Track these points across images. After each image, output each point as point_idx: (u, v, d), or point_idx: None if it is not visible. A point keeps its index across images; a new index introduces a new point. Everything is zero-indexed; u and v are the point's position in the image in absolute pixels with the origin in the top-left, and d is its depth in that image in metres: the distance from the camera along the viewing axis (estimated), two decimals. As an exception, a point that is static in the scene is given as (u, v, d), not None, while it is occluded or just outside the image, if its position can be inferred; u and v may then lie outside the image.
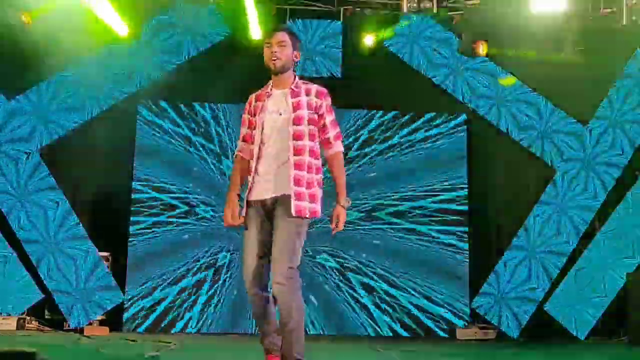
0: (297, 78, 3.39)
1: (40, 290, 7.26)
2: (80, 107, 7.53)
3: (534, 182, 8.11)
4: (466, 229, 7.98)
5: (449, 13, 7.63)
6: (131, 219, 7.68)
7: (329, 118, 3.37)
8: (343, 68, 7.80)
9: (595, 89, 7.86)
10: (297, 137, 3.25)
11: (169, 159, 7.83)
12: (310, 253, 7.74)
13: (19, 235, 7.29)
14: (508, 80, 7.71)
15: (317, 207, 3.30)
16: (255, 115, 3.36)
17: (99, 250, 7.44)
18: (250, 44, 7.43)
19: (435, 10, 7.60)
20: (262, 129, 3.30)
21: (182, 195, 7.80)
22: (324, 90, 3.40)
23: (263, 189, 3.28)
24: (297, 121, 3.27)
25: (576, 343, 7.33)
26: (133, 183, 7.73)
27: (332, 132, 3.38)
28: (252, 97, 3.44)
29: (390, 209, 8.03)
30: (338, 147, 3.40)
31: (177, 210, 7.77)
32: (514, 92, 7.87)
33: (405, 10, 7.63)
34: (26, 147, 7.41)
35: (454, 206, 8.03)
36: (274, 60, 3.30)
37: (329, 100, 3.39)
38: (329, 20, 7.82)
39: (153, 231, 7.71)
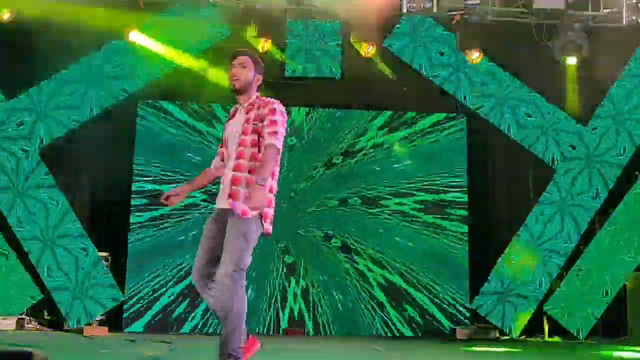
0: (256, 98, 3.54)
1: (40, 290, 7.25)
2: (80, 106, 7.51)
3: (535, 182, 8.11)
4: (466, 228, 7.98)
5: (448, 13, 7.62)
6: (131, 218, 7.67)
7: (269, 118, 3.44)
8: (342, 68, 7.79)
9: (596, 89, 7.86)
10: (240, 143, 3.43)
11: (168, 158, 7.82)
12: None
13: (19, 235, 7.28)
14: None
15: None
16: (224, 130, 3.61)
17: (99, 250, 7.43)
18: (250, 44, 7.43)
19: (435, 10, 7.59)
20: (227, 145, 3.53)
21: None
22: (274, 100, 3.52)
23: (221, 198, 3.47)
24: (244, 132, 3.45)
25: (576, 343, 7.32)
26: (133, 182, 7.72)
27: (267, 130, 3.43)
28: (229, 114, 3.66)
29: (390, 209, 8.03)
30: (269, 140, 3.40)
31: (177, 210, 7.76)
32: (515, 91, 7.86)
33: (404, 10, 7.62)
34: (26, 146, 7.40)
35: (454, 205, 8.03)
36: (235, 80, 3.52)
37: (275, 106, 3.48)
38: (328, 20, 7.80)
39: (153, 231, 7.70)
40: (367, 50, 7.55)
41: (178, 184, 7.72)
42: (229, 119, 3.61)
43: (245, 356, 3.46)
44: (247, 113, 3.49)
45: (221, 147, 3.64)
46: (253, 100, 3.53)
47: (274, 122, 3.44)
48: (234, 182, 3.38)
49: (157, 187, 7.74)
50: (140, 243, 7.66)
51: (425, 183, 8.06)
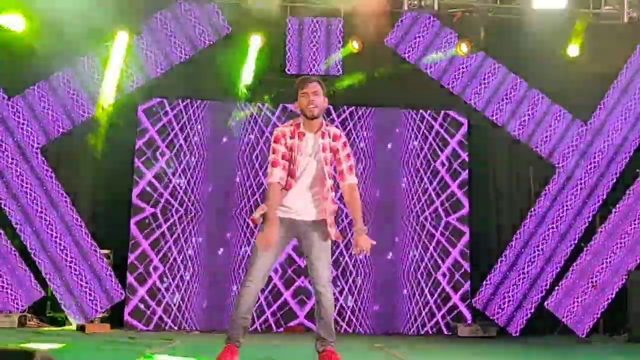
0: (323, 121, 3.92)
1: (42, 288, 7.27)
2: (80, 104, 7.52)
3: (535, 180, 8.11)
4: (467, 225, 7.98)
5: (449, 10, 7.62)
6: (132, 216, 7.68)
7: (343, 153, 3.92)
8: (343, 65, 7.78)
9: (596, 86, 7.86)
10: (322, 171, 3.86)
11: (169, 156, 7.83)
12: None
13: (20, 234, 7.30)
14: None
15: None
16: (288, 148, 3.86)
17: (100, 248, 7.45)
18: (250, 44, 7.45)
19: (435, 8, 7.58)
20: (295, 165, 3.83)
21: (184, 192, 7.80)
22: (338, 132, 3.97)
23: (296, 213, 3.87)
24: (325, 161, 3.87)
25: (577, 340, 7.33)
26: (134, 180, 7.73)
27: (345, 165, 3.93)
28: (286, 132, 3.89)
29: (390, 206, 8.04)
30: (351, 179, 3.95)
31: (179, 207, 7.77)
32: (515, 88, 7.86)
33: (406, 7, 7.62)
34: (27, 145, 7.41)
35: (454, 202, 8.03)
36: (312, 108, 3.82)
37: (345, 139, 3.95)
38: (329, 18, 7.80)
39: (154, 228, 7.71)
40: (353, 46, 7.57)
41: (179, 180, 7.78)
42: (292, 136, 3.85)
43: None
44: (322, 138, 3.87)
45: (284, 159, 3.85)
46: (324, 127, 3.90)
47: (349, 157, 3.94)
48: (326, 212, 3.86)
49: (158, 184, 7.75)
50: (142, 240, 7.66)
51: (426, 179, 8.05)
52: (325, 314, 3.88)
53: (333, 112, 8.05)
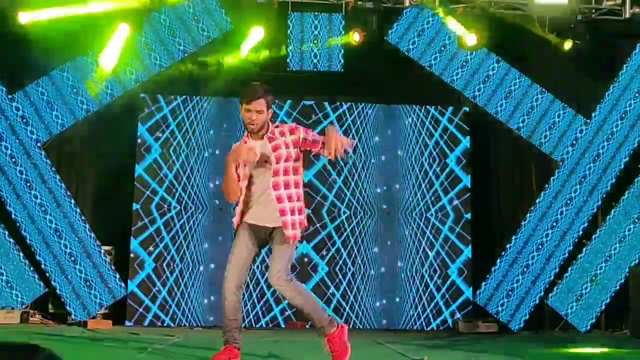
0: (270, 126, 3.93)
1: (44, 284, 7.29)
2: (81, 101, 7.52)
3: (537, 175, 8.11)
4: (469, 221, 7.97)
5: (451, 6, 7.60)
6: (134, 212, 7.68)
7: (308, 135, 3.92)
8: (344, 61, 7.77)
9: (598, 82, 7.84)
10: (275, 174, 3.85)
11: (170, 153, 7.83)
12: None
13: (23, 229, 7.31)
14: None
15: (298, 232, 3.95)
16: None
17: (102, 244, 7.46)
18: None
19: (437, 3, 7.57)
20: (250, 180, 3.89)
21: (184, 189, 7.81)
22: (293, 125, 4.00)
23: (260, 218, 3.91)
24: (277, 160, 3.85)
25: (578, 335, 7.34)
26: (135, 176, 7.73)
27: (320, 139, 3.92)
28: (234, 148, 3.96)
29: (392, 203, 8.04)
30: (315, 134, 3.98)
31: (180, 204, 7.77)
32: (517, 83, 7.85)
33: (407, 3, 7.60)
34: (29, 142, 7.41)
35: (456, 198, 8.02)
36: (252, 126, 3.86)
37: (301, 128, 3.95)
38: (330, 13, 7.78)
39: (156, 225, 7.71)
40: (354, 38, 7.53)
41: (181, 177, 7.79)
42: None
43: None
44: (270, 141, 3.87)
45: (235, 169, 3.90)
46: (272, 131, 3.91)
47: (315, 135, 3.94)
48: (281, 213, 3.85)
49: (159, 181, 7.76)
50: (144, 237, 7.67)
51: (427, 175, 8.05)
52: (298, 306, 3.92)
53: (330, 109, 8.06)
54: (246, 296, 7.56)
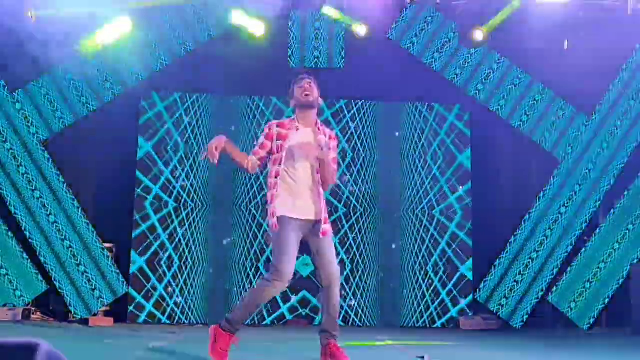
0: (317, 119, 4.04)
1: (45, 281, 7.29)
2: (83, 98, 7.52)
3: (538, 173, 8.10)
4: (470, 219, 7.97)
5: (452, 2, 7.59)
6: (135, 209, 7.69)
7: (332, 155, 4.01)
8: (345, 58, 7.76)
9: (600, 79, 7.83)
10: (316, 168, 3.92)
11: (171, 149, 7.83)
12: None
13: (24, 227, 7.31)
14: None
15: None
16: (272, 139, 3.93)
17: (103, 242, 7.46)
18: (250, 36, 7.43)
19: (438, 1, 7.56)
20: (285, 154, 3.88)
21: (186, 185, 7.81)
22: (333, 133, 4.13)
23: (305, 210, 3.90)
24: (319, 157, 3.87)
25: (579, 333, 7.34)
26: (136, 174, 7.73)
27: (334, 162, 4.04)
28: (273, 124, 3.99)
29: (393, 199, 8.03)
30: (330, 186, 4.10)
31: (182, 200, 7.77)
32: (518, 80, 7.84)
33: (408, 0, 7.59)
34: (30, 139, 7.41)
35: (457, 196, 8.02)
36: (307, 94, 3.94)
37: (336, 141, 4.10)
38: (331, 10, 7.76)
39: (157, 221, 7.71)
40: (357, 32, 7.50)
41: (182, 173, 7.79)
42: (283, 128, 3.94)
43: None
44: (320, 134, 3.95)
45: (261, 149, 3.94)
46: (319, 125, 4.01)
47: (335, 161, 4.04)
48: (324, 210, 3.93)
49: (161, 177, 7.76)
50: (145, 234, 7.67)
51: (429, 172, 8.05)
52: (333, 310, 3.93)
53: (327, 107, 8.05)
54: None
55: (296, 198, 3.88)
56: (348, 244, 7.91)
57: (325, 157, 3.82)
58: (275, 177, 3.89)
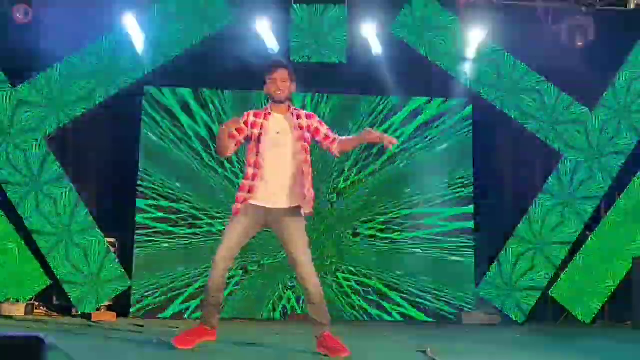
0: (291, 106, 4.17)
1: (48, 276, 7.31)
2: (85, 95, 7.51)
3: (540, 167, 8.09)
4: (472, 212, 7.97)
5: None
6: (137, 204, 7.69)
7: (323, 128, 4.17)
8: (348, 53, 7.75)
9: (603, 74, 7.81)
10: (298, 152, 4.00)
11: (173, 145, 7.84)
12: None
13: (27, 223, 7.32)
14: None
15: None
16: (248, 126, 4.07)
17: (106, 236, 7.47)
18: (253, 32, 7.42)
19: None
20: (260, 143, 4.00)
21: (190, 180, 7.81)
22: (311, 113, 4.27)
23: (271, 198, 3.97)
24: (299, 138, 4.02)
25: (581, 327, 7.35)
26: (139, 168, 7.74)
27: (331, 135, 4.18)
28: (250, 112, 4.16)
29: (394, 192, 8.03)
30: (336, 137, 4.22)
31: (183, 195, 7.78)
32: (521, 76, 7.81)
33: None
34: (34, 136, 7.40)
35: (460, 192, 8.02)
36: (279, 92, 4.05)
37: (317, 117, 4.21)
38: (333, 5, 7.75)
39: (159, 216, 7.72)
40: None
41: (183, 169, 7.80)
42: (258, 117, 4.08)
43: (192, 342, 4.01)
44: (294, 118, 4.06)
45: (238, 131, 4.05)
46: (292, 110, 4.12)
47: (329, 130, 4.18)
48: (302, 187, 3.96)
49: (162, 172, 7.76)
50: (147, 229, 7.68)
51: (431, 168, 8.04)
52: (315, 299, 3.95)
53: (334, 102, 8.05)
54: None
55: (268, 186, 3.96)
56: (348, 234, 7.91)
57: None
58: (250, 166, 4.02)
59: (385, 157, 8.03)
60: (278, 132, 4.02)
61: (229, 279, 7.74)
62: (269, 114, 4.10)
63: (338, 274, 7.85)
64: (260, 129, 4.03)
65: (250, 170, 4.01)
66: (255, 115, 4.11)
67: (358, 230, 7.96)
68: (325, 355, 3.91)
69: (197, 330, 4.07)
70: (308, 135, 4.08)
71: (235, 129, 4.00)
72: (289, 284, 7.72)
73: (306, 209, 3.98)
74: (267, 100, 4.24)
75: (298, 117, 4.09)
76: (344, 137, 4.19)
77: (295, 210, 4.00)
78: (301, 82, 7.90)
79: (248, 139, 4.08)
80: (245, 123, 4.07)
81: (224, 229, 4.13)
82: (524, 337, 6.23)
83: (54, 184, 7.39)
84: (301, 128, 4.04)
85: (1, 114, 7.34)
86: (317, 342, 3.99)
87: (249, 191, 3.98)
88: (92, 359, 3.68)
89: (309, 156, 4.07)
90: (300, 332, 5.83)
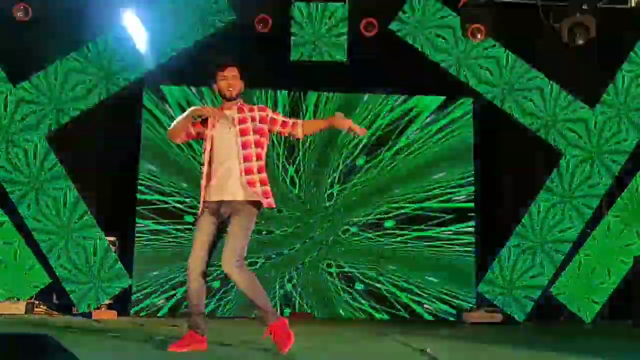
0: (240, 102, 4.18)
1: (49, 274, 7.31)
2: (85, 93, 7.51)
3: (542, 165, 8.08)
4: (473, 210, 7.97)
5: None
6: (138, 202, 7.69)
7: (280, 115, 4.22)
8: (348, 52, 7.74)
9: (604, 72, 7.80)
10: (244, 146, 4.00)
11: (173, 144, 7.82)
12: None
13: (28, 222, 7.32)
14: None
15: (272, 200, 4.04)
16: (205, 124, 4.14)
17: (106, 234, 7.47)
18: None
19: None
20: (212, 142, 4.05)
21: (190, 178, 7.81)
22: (263, 106, 4.28)
23: (218, 193, 3.99)
24: (243, 133, 4.02)
25: (582, 326, 7.34)
26: (139, 166, 7.74)
27: (289, 120, 4.23)
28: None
29: (395, 190, 8.03)
30: (292, 119, 4.26)
31: (184, 194, 7.78)
32: (522, 74, 7.80)
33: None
34: (34, 134, 7.40)
35: (461, 189, 8.02)
36: (230, 90, 4.11)
37: (269, 109, 4.22)
38: (333, 3, 7.74)
39: (160, 215, 7.72)
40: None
41: (184, 167, 7.79)
42: (201, 120, 4.15)
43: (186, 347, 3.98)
44: (239, 112, 4.07)
45: (194, 127, 4.17)
46: (241, 105, 4.14)
47: (285, 117, 4.21)
48: (250, 184, 3.94)
49: (163, 170, 7.76)
50: (148, 227, 7.68)
51: (432, 165, 8.04)
52: (243, 293, 3.96)
53: (332, 100, 8.04)
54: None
55: (215, 181, 4.01)
56: (349, 232, 7.91)
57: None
58: (204, 164, 4.09)
59: (387, 156, 8.03)
60: (226, 129, 4.06)
61: (226, 277, 7.77)
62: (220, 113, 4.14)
63: (334, 270, 7.85)
64: (212, 127, 4.10)
65: (205, 169, 4.09)
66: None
67: (357, 228, 7.96)
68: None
69: (189, 337, 4.06)
70: (262, 127, 4.11)
71: (194, 123, 4.12)
72: (287, 282, 7.72)
73: (264, 203, 3.98)
74: (218, 98, 4.32)
75: (250, 110, 4.13)
76: (308, 120, 4.27)
77: (240, 204, 3.98)
78: (301, 81, 8.01)
79: (200, 136, 4.17)
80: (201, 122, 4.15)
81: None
82: (525, 336, 6.22)
83: (54, 183, 7.39)
84: (253, 120, 4.06)
85: (1, 112, 7.34)
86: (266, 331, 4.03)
87: (205, 190, 4.07)
88: (92, 358, 3.68)
89: (261, 150, 4.08)
90: (301, 330, 5.81)
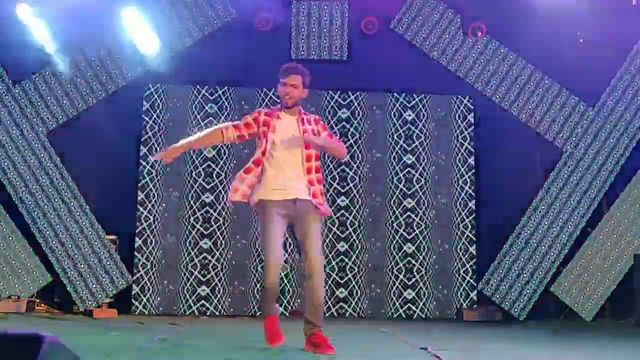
0: (301, 109, 4.17)
1: (49, 273, 7.31)
2: (86, 92, 7.51)
3: (542, 163, 8.08)
4: (473, 208, 7.97)
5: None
6: (138, 201, 7.69)
7: (326, 133, 4.20)
8: (349, 49, 7.73)
9: (604, 69, 7.79)
10: (308, 158, 4.05)
11: (175, 142, 7.81)
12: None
13: (27, 219, 7.33)
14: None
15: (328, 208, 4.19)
16: (258, 124, 4.09)
17: (107, 234, 7.47)
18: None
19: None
20: (269, 142, 4.02)
21: (191, 177, 7.81)
22: (318, 117, 4.29)
23: (287, 193, 4.00)
24: (307, 146, 4.04)
25: (583, 324, 7.34)
26: (140, 165, 7.73)
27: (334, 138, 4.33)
28: (262, 111, 4.17)
29: (396, 188, 8.03)
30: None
31: (186, 193, 7.78)
32: (521, 71, 7.80)
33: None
34: (35, 131, 7.40)
35: (461, 187, 8.01)
36: (288, 98, 4.07)
37: (323, 122, 4.27)
38: (335, 1, 7.73)
39: (161, 213, 7.72)
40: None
41: (185, 164, 7.79)
42: (269, 117, 4.09)
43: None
44: (302, 124, 4.09)
45: (245, 127, 4.11)
46: (302, 114, 4.15)
47: (331, 136, 4.24)
48: (313, 195, 4.02)
49: (165, 169, 7.76)
50: (149, 226, 7.68)
51: (433, 164, 8.04)
52: (317, 300, 3.95)
53: (333, 99, 8.03)
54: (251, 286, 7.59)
55: (274, 184, 3.99)
56: (348, 231, 7.91)
57: (315, 141, 3.98)
58: (253, 163, 4.06)
59: (386, 155, 8.03)
60: (292, 135, 4.06)
61: (224, 275, 7.79)
62: (279, 116, 4.12)
63: (334, 269, 7.86)
64: (269, 129, 4.06)
65: (256, 169, 4.05)
66: (267, 115, 4.13)
67: (357, 227, 7.96)
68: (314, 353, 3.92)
69: (270, 321, 4.12)
70: None
71: (245, 125, 4.09)
72: (285, 279, 7.72)
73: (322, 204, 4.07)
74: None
75: (308, 122, 4.13)
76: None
77: (305, 203, 4.02)
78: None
79: (256, 136, 4.11)
80: (256, 120, 4.09)
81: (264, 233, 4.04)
82: (525, 334, 6.22)
83: (55, 181, 7.39)
84: (313, 133, 4.08)
85: (2, 110, 7.34)
86: (306, 340, 4.01)
87: (261, 189, 4.04)
88: (93, 357, 3.68)
89: (318, 162, 4.12)
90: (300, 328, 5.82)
